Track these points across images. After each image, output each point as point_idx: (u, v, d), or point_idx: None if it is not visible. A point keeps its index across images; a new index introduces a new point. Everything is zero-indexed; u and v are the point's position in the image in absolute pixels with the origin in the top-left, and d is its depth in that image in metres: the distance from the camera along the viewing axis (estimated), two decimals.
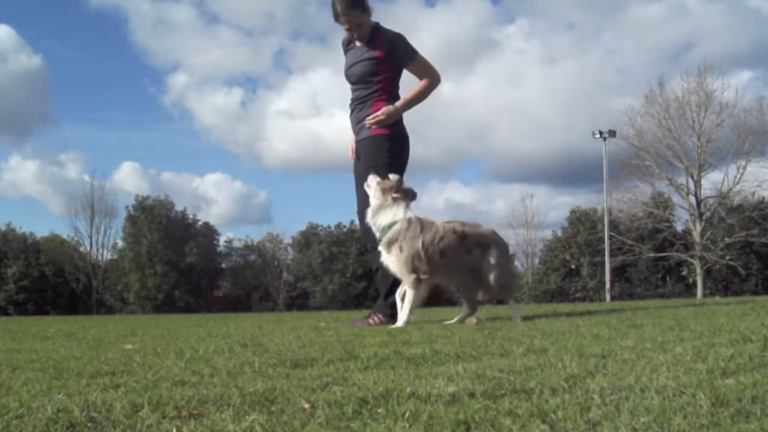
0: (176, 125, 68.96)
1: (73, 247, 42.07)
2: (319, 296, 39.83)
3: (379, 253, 4.03)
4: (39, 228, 74.03)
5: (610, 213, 31.53)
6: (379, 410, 1.40)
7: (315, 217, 72.87)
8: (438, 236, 3.85)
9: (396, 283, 4.06)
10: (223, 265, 44.55)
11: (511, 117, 59.71)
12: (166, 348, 2.91)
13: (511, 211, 45.38)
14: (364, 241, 4.55)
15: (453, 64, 56.17)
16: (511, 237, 40.23)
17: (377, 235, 4.01)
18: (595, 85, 58.23)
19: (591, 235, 35.85)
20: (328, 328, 4.03)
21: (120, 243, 42.62)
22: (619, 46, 62.09)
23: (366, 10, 4.38)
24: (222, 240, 44.66)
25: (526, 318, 4.13)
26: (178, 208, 42.90)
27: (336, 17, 4.38)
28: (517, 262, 39.05)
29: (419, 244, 3.81)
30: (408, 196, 4.05)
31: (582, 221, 37.49)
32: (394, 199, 3.98)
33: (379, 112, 4.34)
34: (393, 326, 3.82)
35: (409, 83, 4.51)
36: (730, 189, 30.71)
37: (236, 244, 44.96)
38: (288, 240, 43.75)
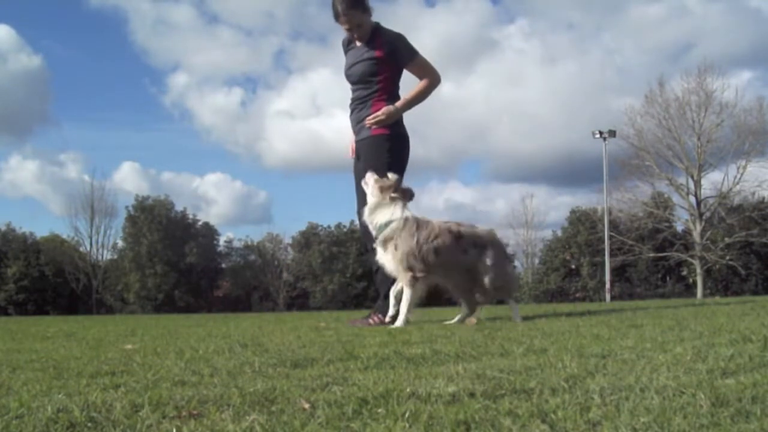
0: (176, 125, 69.03)
1: (73, 247, 42.07)
2: (319, 296, 39.82)
3: (375, 251, 4.04)
4: (39, 228, 74.08)
5: (610, 213, 31.53)
6: (379, 410, 1.40)
7: (315, 217, 72.91)
8: (433, 235, 3.86)
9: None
10: (223, 265, 44.55)
11: (511, 117, 59.78)
12: (166, 348, 2.91)
13: (511, 211, 45.46)
14: (364, 241, 4.55)
15: (453, 64, 56.23)
16: (511, 237, 40.32)
17: (373, 233, 4.02)
18: (595, 85, 58.30)
19: (591, 235, 35.84)
20: (328, 328, 4.03)
21: (120, 243, 42.69)
22: (619, 46, 62.17)
23: (366, 10, 4.38)
24: (222, 240, 44.74)
25: (526, 318, 4.13)
26: (178, 208, 42.96)
27: (336, 17, 4.38)
28: (516, 263, 39.07)
29: (414, 243, 3.82)
30: (406, 195, 4.06)
31: (582, 221, 37.48)
32: (392, 199, 3.99)
33: (379, 112, 4.34)
34: (392, 326, 3.82)
35: (409, 83, 4.52)
36: (730, 189, 30.72)
37: (236, 244, 45.03)
38: (288, 240, 43.81)
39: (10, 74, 54.96)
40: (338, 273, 39.71)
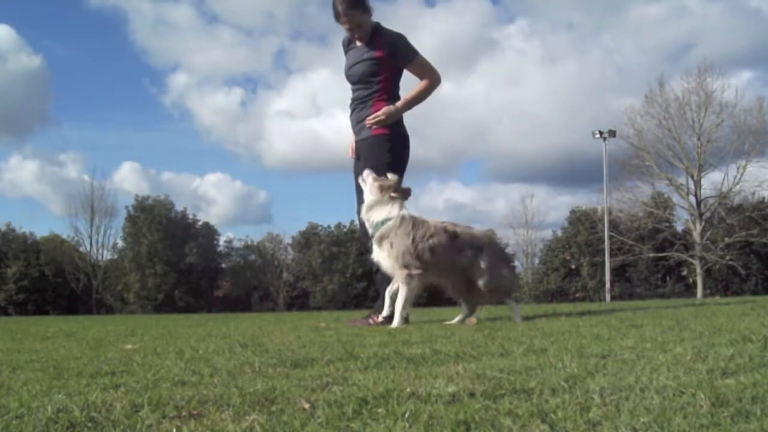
0: (176, 125, 69.08)
1: (73, 247, 42.07)
2: (319, 296, 39.82)
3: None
4: (39, 228, 74.14)
5: (610, 213, 31.53)
6: (379, 410, 1.40)
7: (315, 217, 72.91)
8: (429, 233, 3.86)
9: None
10: (223, 265, 44.54)
11: (511, 117, 59.83)
12: (166, 348, 2.91)
13: (511, 211, 45.55)
14: (364, 241, 4.55)
15: (453, 64, 56.26)
16: (511, 237, 40.37)
17: (369, 230, 4.02)
18: (595, 85, 58.35)
19: (591, 235, 35.84)
20: (328, 328, 4.03)
21: (120, 243, 42.70)
22: (619, 46, 62.22)
23: (367, 10, 4.38)
24: (222, 240, 44.75)
25: (526, 318, 4.13)
26: (178, 208, 42.98)
27: (337, 17, 4.38)
28: (516, 263, 39.03)
29: (410, 241, 3.82)
30: (404, 195, 4.07)
31: (582, 221, 37.49)
32: (391, 198, 3.99)
33: (379, 112, 4.34)
34: (391, 326, 3.82)
35: (409, 83, 4.52)
36: (730, 189, 30.72)
37: (236, 244, 45.04)
38: (288, 240, 43.82)
39: (10, 74, 55.10)
40: (338, 273, 39.71)
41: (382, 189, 4.01)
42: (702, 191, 30.65)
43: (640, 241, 32.57)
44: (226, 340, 3.27)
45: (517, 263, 39.36)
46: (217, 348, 2.77)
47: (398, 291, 3.92)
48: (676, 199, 32.58)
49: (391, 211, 3.96)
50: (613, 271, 31.24)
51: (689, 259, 31.41)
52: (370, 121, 4.36)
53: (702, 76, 30.42)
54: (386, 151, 4.36)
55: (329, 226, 42.45)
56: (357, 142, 4.53)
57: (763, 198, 32.99)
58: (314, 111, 63.23)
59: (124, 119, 71.98)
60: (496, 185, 66.72)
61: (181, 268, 40.43)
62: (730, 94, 30.14)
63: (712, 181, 31.13)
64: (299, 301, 40.77)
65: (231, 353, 2.56)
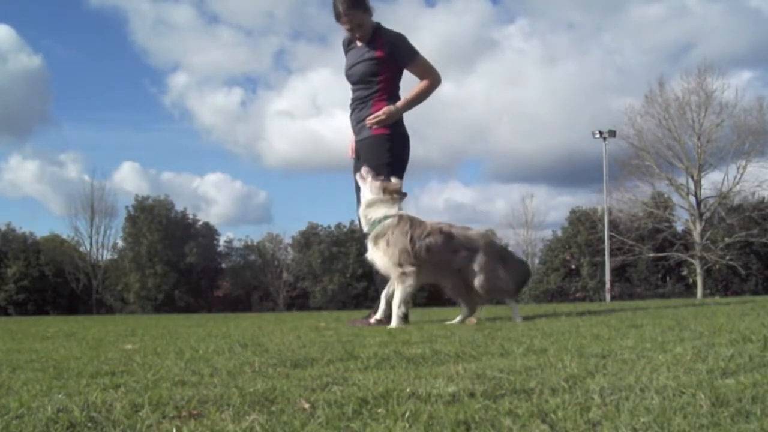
0: (176, 125, 69.10)
1: (73, 247, 42.08)
2: (319, 296, 39.82)
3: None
4: (39, 228, 74.13)
5: (610, 213, 31.53)
6: (379, 410, 1.40)
7: (315, 217, 72.97)
8: (425, 233, 3.88)
9: None
10: (223, 265, 44.55)
11: (511, 117, 59.84)
12: (166, 348, 2.91)
13: (511, 211, 45.48)
14: (364, 241, 4.55)
15: (453, 64, 56.26)
16: (511, 237, 40.36)
17: (365, 228, 4.03)
18: (595, 85, 58.36)
19: (591, 235, 35.84)
20: (328, 328, 4.04)
21: (120, 243, 42.73)
22: (619, 46, 62.22)
23: (367, 10, 4.38)
24: (222, 240, 44.77)
25: (526, 318, 4.13)
26: (178, 208, 43.01)
27: (337, 17, 4.38)
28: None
29: (407, 239, 3.83)
30: (402, 196, 4.09)
31: (582, 221, 37.49)
32: (393, 199, 4.00)
33: (379, 112, 4.34)
34: (389, 326, 3.82)
35: (409, 83, 4.52)
36: (730, 189, 30.73)
37: (236, 244, 45.06)
38: (288, 240, 43.83)
39: (10, 74, 55.11)
40: (338, 273, 39.72)
41: (384, 190, 4.02)
42: (702, 191, 30.67)
43: (640, 241, 32.57)
44: (226, 340, 3.27)
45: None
46: (217, 348, 2.77)
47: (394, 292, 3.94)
48: (676, 199, 32.64)
49: (389, 210, 3.97)
50: (613, 271, 31.24)
51: (689, 259, 31.41)
52: (370, 121, 4.37)
53: (702, 76, 30.48)
54: (386, 151, 4.36)
55: (329, 226, 42.54)
56: (357, 142, 4.54)
57: (763, 198, 33.01)
58: (314, 111, 63.34)
59: (124, 119, 72.09)
60: (496, 185, 66.82)
61: (181, 268, 40.43)
62: (730, 94, 30.22)
63: (712, 181, 31.20)
64: (299, 301, 40.77)
65: (231, 353, 2.56)
